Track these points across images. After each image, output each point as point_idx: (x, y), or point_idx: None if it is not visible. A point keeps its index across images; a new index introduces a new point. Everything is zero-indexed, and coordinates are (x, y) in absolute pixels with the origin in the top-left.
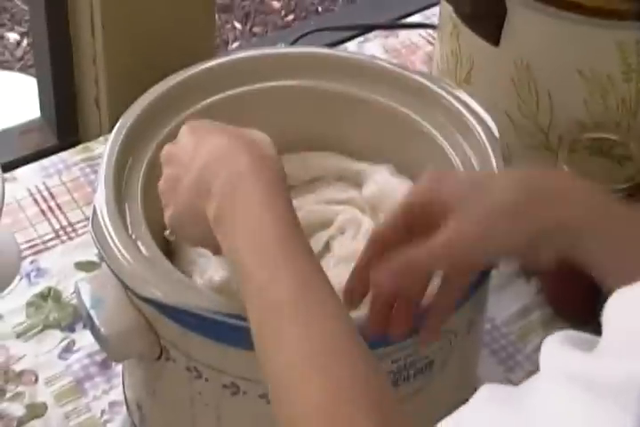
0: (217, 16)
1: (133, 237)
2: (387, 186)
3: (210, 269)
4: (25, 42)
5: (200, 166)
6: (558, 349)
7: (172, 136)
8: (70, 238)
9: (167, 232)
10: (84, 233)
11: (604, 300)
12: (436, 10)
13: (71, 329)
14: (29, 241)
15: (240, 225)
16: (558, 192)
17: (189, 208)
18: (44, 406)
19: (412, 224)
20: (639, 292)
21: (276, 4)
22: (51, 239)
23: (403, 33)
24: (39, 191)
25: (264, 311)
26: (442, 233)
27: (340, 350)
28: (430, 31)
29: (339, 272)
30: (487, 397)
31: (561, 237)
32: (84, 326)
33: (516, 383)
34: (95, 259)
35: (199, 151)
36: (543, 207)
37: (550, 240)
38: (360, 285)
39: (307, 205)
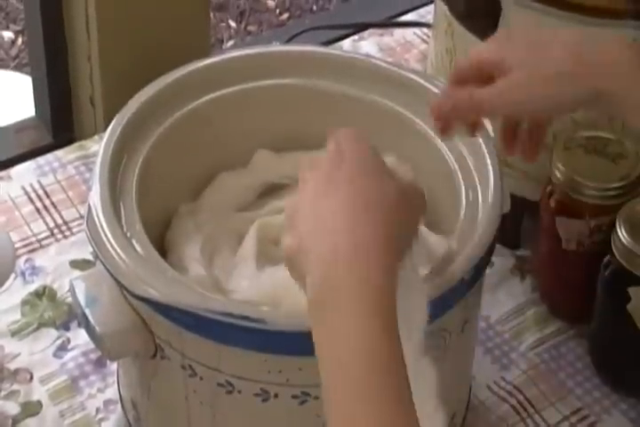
0: (212, 14)
1: (128, 235)
2: None
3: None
4: (20, 40)
5: (305, 233)
6: None
7: (167, 134)
8: (65, 237)
9: None
10: (78, 231)
11: (598, 298)
12: (430, 8)
13: (66, 328)
14: (24, 239)
15: (326, 333)
16: (606, 63)
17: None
18: (39, 405)
19: (481, 75)
20: None
21: (271, 3)
22: (46, 238)
23: (397, 31)
24: (34, 190)
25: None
26: (494, 86)
27: None
28: (425, 29)
29: None
30: None
31: (603, 105)
32: (79, 325)
33: (510, 382)
34: (90, 257)
35: (308, 213)
36: (588, 78)
37: (593, 105)
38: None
39: None
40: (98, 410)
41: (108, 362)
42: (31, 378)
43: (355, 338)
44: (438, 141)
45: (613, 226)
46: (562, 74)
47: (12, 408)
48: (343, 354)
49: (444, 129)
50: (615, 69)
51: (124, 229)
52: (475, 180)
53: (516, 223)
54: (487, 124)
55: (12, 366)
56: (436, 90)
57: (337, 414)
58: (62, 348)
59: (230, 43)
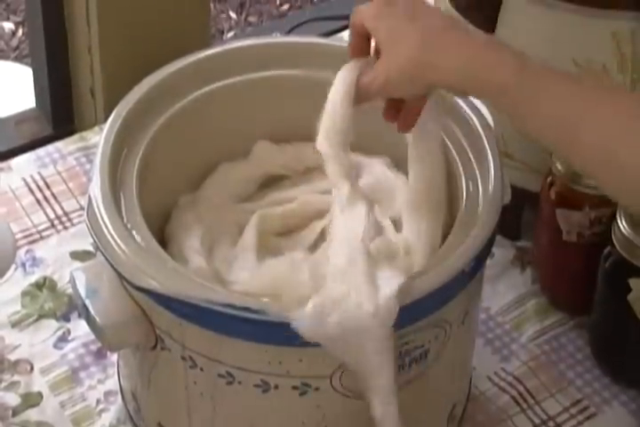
0: (212, 5)
1: (129, 226)
2: (383, 177)
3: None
4: (20, 31)
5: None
6: None
7: (168, 125)
8: (65, 228)
9: None
10: (79, 223)
11: (598, 289)
12: None
13: (66, 319)
14: (25, 231)
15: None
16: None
17: None
18: (40, 396)
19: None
20: None
21: None
22: (46, 229)
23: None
24: (34, 181)
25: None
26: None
27: None
28: None
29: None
30: None
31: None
32: (80, 316)
33: (510, 373)
34: (90, 248)
35: None
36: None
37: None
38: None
39: (302, 196)
40: (98, 401)
41: (109, 353)
42: (31, 369)
43: None
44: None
45: (614, 217)
46: (404, 72)
47: (13, 399)
48: None
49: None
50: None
51: (125, 221)
52: (475, 171)
53: (517, 215)
54: (487, 114)
55: (13, 357)
56: None
57: None
58: (63, 339)
59: (231, 34)
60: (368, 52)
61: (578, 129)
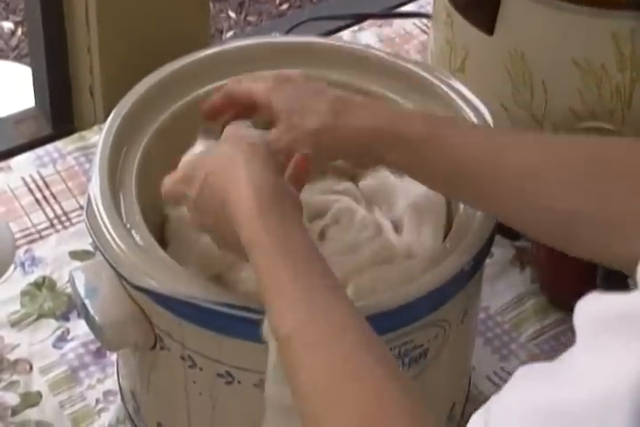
0: (211, 5)
1: (128, 226)
2: (385, 180)
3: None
4: (20, 31)
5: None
6: (592, 300)
7: (167, 125)
8: (65, 228)
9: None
10: (78, 222)
11: (598, 288)
12: None
13: (66, 318)
14: (24, 230)
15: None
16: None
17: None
18: (39, 395)
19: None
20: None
21: None
22: (45, 228)
23: (397, 22)
24: (34, 180)
25: (283, 343)
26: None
27: (371, 369)
28: (424, 20)
29: (333, 263)
30: (522, 374)
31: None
32: (79, 316)
33: (510, 372)
34: (90, 248)
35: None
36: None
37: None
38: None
39: (302, 196)
40: (97, 401)
41: (108, 353)
42: (31, 369)
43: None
44: None
45: None
46: (319, 143)
47: (12, 399)
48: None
49: None
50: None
51: (124, 220)
52: None
53: None
54: (485, 112)
55: (12, 356)
56: (435, 81)
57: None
58: (62, 338)
59: (230, 33)
60: (222, 116)
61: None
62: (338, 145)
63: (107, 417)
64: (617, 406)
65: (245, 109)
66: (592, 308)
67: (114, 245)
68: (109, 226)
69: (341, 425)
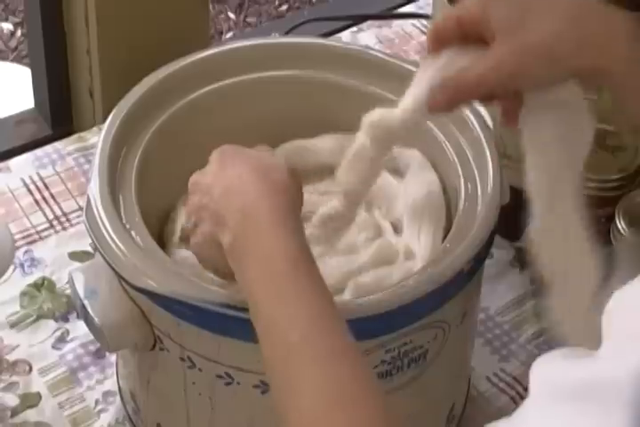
0: (211, 6)
1: (127, 227)
2: (385, 182)
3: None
4: (19, 32)
5: (216, 197)
6: (547, 364)
7: (166, 126)
8: (64, 229)
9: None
10: (78, 223)
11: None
12: (429, 0)
13: (65, 319)
14: (23, 231)
15: (251, 257)
16: (601, 39)
17: (209, 237)
18: (38, 396)
19: (464, 33)
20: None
21: None
22: (45, 229)
23: (396, 23)
24: (33, 181)
25: (274, 348)
26: (485, 58)
27: (352, 392)
28: (423, 21)
29: (333, 264)
30: None
31: (594, 81)
32: (78, 317)
33: (509, 373)
34: (89, 249)
35: (218, 182)
36: (581, 55)
37: (583, 81)
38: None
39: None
40: (97, 402)
41: (107, 354)
42: (30, 370)
43: (270, 241)
44: (437, 133)
45: (613, 218)
46: (554, 52)
47: (11, 400)
48: (264, 259)
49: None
50: (614, 50)
51: (124, 221)
52: (474, 172)
53: (516, 215)
54: (485, 115)
55: (11, 357)
56: None
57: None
58: (61, 339)
59: (229, 34)
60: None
61: None
62: (569, 73)
63: (106, 418)
64: None
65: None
66: (550, 373)
67: (113, 246)
68: (109, 227)
69: None
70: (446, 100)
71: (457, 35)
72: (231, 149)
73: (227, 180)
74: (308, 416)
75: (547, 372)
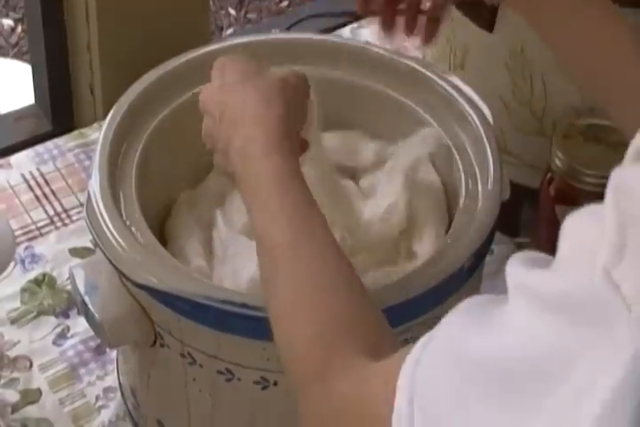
0: (211, 2)
1: (128, 223)
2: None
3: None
4: (19, 28)
5: (222, 125)
6: (518, 268)
7: (167, 122)
8: (65, 225)
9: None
10: (78, 219)
11: None
12: None
13: (65, 315)
14: (24, 227)
15: (246, 181)
16: None
17: (223, 161)
18: (39, 392)
19: None
20: (592, 209)
21: None
22: (45, 225)
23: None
24: (34, 177)
25: (264, 254)
26: None
27: (331, 286)
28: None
29: None
30: (464, 309)
31: None
32: (79, 313)
33: None
34: (90, 245)
35: (223, 109)
36: None
37: None
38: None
39: None
40: (97, 398)
41: (108, 350)
42: (31, 366)
43: (263, 169)
44: (438, 128)
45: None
46: None
47: (12, 396)
48: (257, 183)
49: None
50: None
51: (124, 217)
52: (474, 168)
53: (516, 211)
54: (485, 109)
55: (12, 353)
56: (435, 78)
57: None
58: (62, 335)
59: (230, 30)
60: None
61: None
62: None
63: (107, 414)
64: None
65: None
66: (518, 278)
67: (114, 242)
68: (109, 223)
69: (299, 337)
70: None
71: None
72: (230, 66)
73: (230, 107)
74: (280, 311)
75: (526, 278)
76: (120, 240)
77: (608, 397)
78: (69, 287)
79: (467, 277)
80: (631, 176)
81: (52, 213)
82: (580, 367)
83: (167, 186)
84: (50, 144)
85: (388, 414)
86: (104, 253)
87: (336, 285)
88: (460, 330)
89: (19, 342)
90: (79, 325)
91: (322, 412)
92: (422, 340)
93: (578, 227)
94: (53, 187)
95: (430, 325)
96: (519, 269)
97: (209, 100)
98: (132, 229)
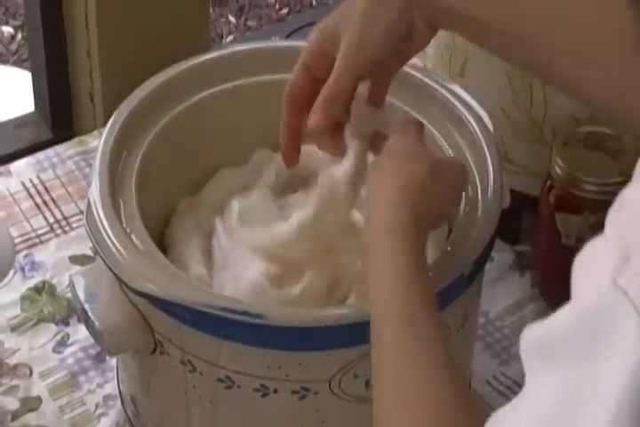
0: (211, 9)
1: (128, 230)
2: None
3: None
4: (19, 35)
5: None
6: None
7: (167, 130)
8: (65, 232)
9: None
10: (78, 227)
11: None
12: None
13: (65, 323)
14: (24, 235)
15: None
16: None
17: None
18: (39, 400)
19: (318, 72)
20: (593, 241)
21: None
22: (45, 233)
23: None
24: (34, 185)
25: (377, 353)
26: (340, 51)
27: (432, 386)
28: None
29: None
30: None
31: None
32: (79, 320)
33: (509, 377)
34: (90, 253)
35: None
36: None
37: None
38: (295, 143)
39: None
40: (97, 405)
41: (108, 357)
42: (31, 373)
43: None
44: (437, 136)
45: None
46: (365, 12)
47: (12, 403)
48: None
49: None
50: None
51: (124, 225)
52: (474, 175)
53: (516, 219)
54: (485, 117)
55: (12, 361)
56: (435, 85)
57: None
58: (62, 343)
59: (230, 38)
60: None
61: None
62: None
63: (106, 422)
64: None
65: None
66: (525, 337)
67: (114, 250)
68: (109, 231)
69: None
70: (326, 116)
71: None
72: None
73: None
74: (382, 409)
75: (526, 338)
76: (120, 248)
77: (617, 398)
78: (69, 295)
79: (467, 284)
80: (635, 191)
81: (51, 220)
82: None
83: (167, 193)
84: (50, 152)
85: None
86: (104, 261)
87: (437, 385)
88: None
89: (18, 349)
90: (79, 332)
91: None
92: None
93: (584, 258)
94: (53, 194)
95: None
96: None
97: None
98: (132, 236)
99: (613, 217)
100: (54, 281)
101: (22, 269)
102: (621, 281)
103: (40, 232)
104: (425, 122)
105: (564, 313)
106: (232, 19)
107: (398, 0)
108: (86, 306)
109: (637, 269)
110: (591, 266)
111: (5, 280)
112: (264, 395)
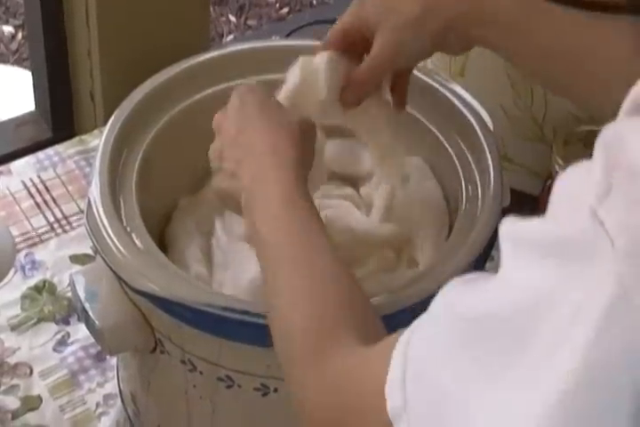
0: (211, 9)
1: (128, 229)
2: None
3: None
4: (20, 35)
5: (234, 155)
6: (509, 223)
7: (167, 128)
8: (65, 231)
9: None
10: (78, 226)
11: None
12: None
13: (66, 322)
14: (24, 234)
15: (255, 205)
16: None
17: (226, 189)
18: (39, 399)
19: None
20: (581, 164)
21: None
22: (45, 232)
23: None
24: (34, 184)
25: (266, 256)
26: (372, 51)
27: (327, 278)
28: None
29: None
30: (455, 281)
31: (464, 28)
32: (79, 319)
33: None
34: (90, 252)
35: (236, 140)
36: (440, 8)
37: (456, 33)
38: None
39: None
40: (97, 404)
41: (108, 357)
42: (31, 372)
43: (276, 189)
44: (438, 135)
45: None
46: (407, 21)
47: (12, 403)
48: (267, 199)
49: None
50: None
51: (124, 224)
52: (475, 174)
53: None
54: (485, 116)
55: (12, 360)
56: (435, 85)
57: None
58: (62, 342)
59: (230, 37)
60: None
61: None
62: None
63: (107, 421)
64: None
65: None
66: (510, 230)
67: (114, 249)
68: (109, 230)
69: (296, 330)
70: (355, 97)
71: (351, 44)
72: (251, 98)
73: (249, 132)
74: (276, 301)
75: (515, 227)
76: (120, 247)
77: (598, 323)
78: (70, 294)
79: None
80: (623, 127)
81: (52, 219)
82: (564, 304)
83: (167, 192)
84: (50, 151)
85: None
86: (104, 260)
87: (329, 280)
88: (450, 296)
89: (19, 348)
90: (79, 331)
91: (321, 398)
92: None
93: (567, 180)
94: (54, 193)
95: None
96: (510, 224)
97: (225, 122)
98: (133, 235)
99: (601, 148)
100: (55, 280)
101: (23, 268)
102: (600, 212)
103: (40, 231)
104: (425, 121)
105: (546, 226)
106: (232, 18)
107: (442, 19)
108: (86, 305)
109: (615, 201)
110: (573, 191)
111: (6, 279)
112: (264, 394)
